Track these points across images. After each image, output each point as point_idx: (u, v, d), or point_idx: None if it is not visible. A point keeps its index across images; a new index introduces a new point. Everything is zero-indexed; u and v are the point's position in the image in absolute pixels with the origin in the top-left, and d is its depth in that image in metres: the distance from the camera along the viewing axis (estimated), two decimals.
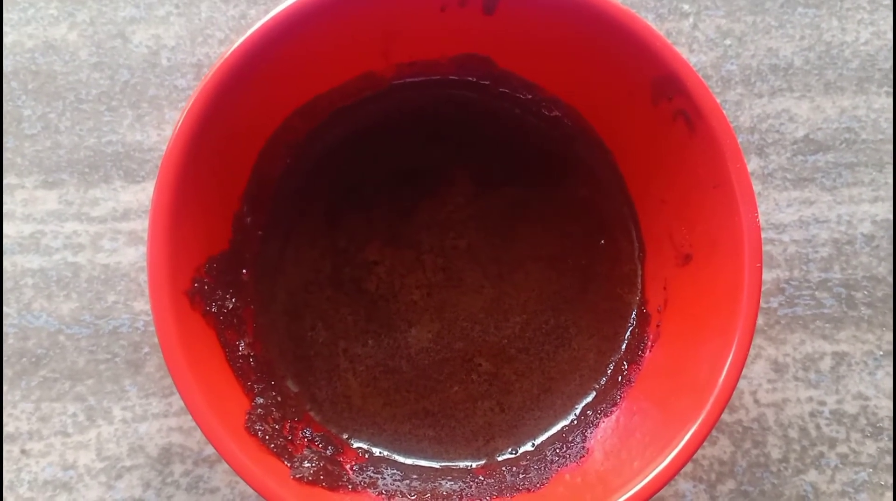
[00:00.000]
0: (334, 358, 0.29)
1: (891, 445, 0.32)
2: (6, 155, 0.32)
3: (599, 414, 0.28)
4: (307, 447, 0.27)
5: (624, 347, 0.30)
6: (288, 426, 0.27)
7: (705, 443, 0.32)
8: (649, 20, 0.35)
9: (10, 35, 0.32)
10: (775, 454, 0.32)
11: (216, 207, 0.26)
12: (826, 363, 0.33)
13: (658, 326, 0.29)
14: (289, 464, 0.25)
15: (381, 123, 0.30)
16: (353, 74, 0.28)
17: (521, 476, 0.27)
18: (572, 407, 0.29)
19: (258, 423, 0.25)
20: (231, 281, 0.27)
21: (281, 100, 0.27)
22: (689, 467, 0.32)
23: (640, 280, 0.30)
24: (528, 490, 0.26)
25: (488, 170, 0.30)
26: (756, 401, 0.33)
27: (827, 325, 0.33)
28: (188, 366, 0.23)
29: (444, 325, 0.29)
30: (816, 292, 0.33)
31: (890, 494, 0.32)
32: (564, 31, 0.26)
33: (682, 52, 0.35)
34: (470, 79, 0.30)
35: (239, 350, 0.27)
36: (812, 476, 0.32)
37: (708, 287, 0.26)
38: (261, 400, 0.26)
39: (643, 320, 0.29)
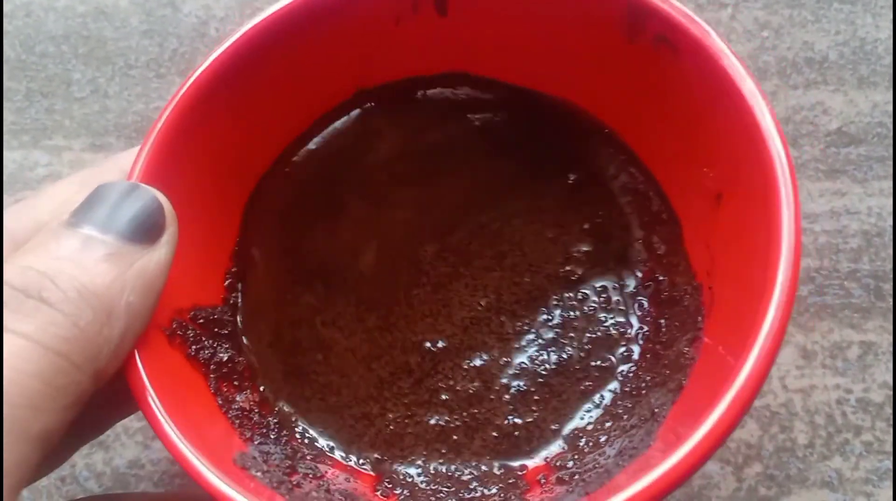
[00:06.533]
0: (348, 408, 0.27)
1: None
2: (54, 117, 0.32)
3: (668, 407, 0.25)
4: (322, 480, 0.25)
5: (682, 331, 0.27)
6: (299, 466, 0.25)
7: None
8: (688, 10, 0.36)
9: None
10: (802, 439, 0.33)
11: (205, 258, 0.25)
12: (853, 352, 0.33)
13: (711, 288, 0.25)
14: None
15: (358, 143, 0.29)
16: (326, 108, 0.28)
17: (582, 484, 0.25)
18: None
19: (253, 464, 0.23)
20: (226, 337, 0.26)
21: (258, 138, 0.27)
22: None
23: (683, 257, 0.27)
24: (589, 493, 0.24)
25: (493, 179, 0.29)
26: (784, 387, 0.33)
27: (855, 315, 0.34)
28: (162, 400, 0.20)
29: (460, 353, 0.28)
30: (846, 282, 0.34)
31: None
32: (524, 11, 0.25)
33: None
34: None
35: (237, 402, 0.25)
36: (837, 462, 0.33)
37: (744, 213, 0.24)
38: (264, 448, 0.24)
39: (696, 293, 0.26)
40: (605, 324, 0.28)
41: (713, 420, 0.20)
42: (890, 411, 0.33)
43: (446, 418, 0.27)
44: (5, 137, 0.32)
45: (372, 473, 0.26)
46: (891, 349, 0.33)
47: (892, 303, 0.34)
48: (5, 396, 0.15)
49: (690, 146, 0.26)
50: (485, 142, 0.29)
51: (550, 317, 0.28)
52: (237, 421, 0.24)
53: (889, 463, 0.32)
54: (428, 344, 0.27)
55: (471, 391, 0.27)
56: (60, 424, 0.17)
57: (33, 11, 0.32)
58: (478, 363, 0.27)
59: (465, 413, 0.27)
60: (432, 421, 0.27)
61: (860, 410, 0.33)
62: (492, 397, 0.27)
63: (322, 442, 0.26)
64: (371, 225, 0.28)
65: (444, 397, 0.27)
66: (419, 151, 0.29)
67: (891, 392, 0.33)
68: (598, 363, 0.27)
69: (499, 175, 0.29)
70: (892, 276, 0.34)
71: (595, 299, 0.28)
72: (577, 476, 0.24)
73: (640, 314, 0.28)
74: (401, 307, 0.28)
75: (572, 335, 0.28)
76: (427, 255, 0.28)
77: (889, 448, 0.32)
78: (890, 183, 0.34)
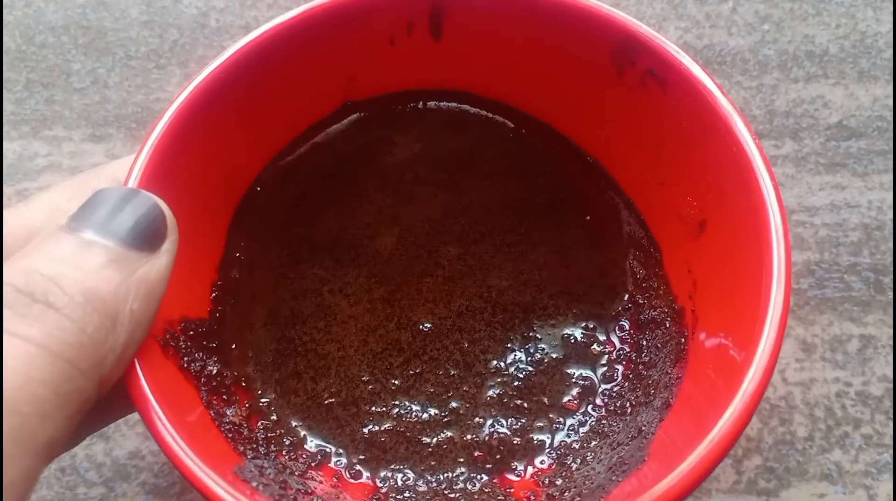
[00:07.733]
0: (346, 414, 0.28)
1: None
2: (54, 107, 0.32)
3: (656, 424, 0.25)
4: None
5: (665, 351, 0.27)
6: (290, 482, 0.25)
7: None
8: (689, 2, 0.36)
9: None
10: (801, 432, 0.33)
11: (193, 268, 0.25)
12: (853, 345, 0.33)
13: (693, 311, 0.26)
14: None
15: (362, 146, 0.30)
16: (315, 119, 0.28)
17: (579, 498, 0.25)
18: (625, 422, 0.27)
19: (252, 476, 0.23)
20: (214, 350, 0.26)
21: (250, 146, 0.27)
22: None
23: (663, 281, 0.28)
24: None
25: (516, 202, 0.30)
26: (784, 380, 0.33)
27: (855, 308, 0.34)
28: (164, 410, 0.20)
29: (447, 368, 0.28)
30: (846, 276, 0.34)
31: None
32: (512, 37, 0.26)
33: (721, 34, 0.36)
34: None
35: (227, 416, 0.25)
36: (836, 455, 0.33)
37: (731, 242, 0.24)
38: (258, 462, 0.24)
39: (677, 316, 0.27)
40: (586, 334, 0.29)
41: (705, 446, 0.20)
42: (889, 404, 0.33)
43: (429, 411, 0.27)
44: (5, 127, 0.32)
45: (360, 483, 0.26)
46: (890, 342, 0.33)
47: (892, 297, 0.34)
48: (12, 404, 0.15)
49: (674, 176, 0.26)
50: (501, 158, 0.30)
51: (538, 318, 0.29)
52: (230, 435, 0.24)
53: (888, 456, 0.32)
54: (421, 326, 0.28)
55: (452, 376, 0.28)
56: (64, 434, 0.16)
57: (33, 2, 0.32)
58: (465, 344, 0.28)
59: (445, 407, 0.28)
60: (413, 418, 0.27)
61: (860, 403, 0.33)
62: (474, 391, 0.28)
63: (310, 443, 0.27)
64: (393, 215, 0.29)
65: (427, 384, 0.28)
66: (439, 156, 0.30)
67: (890, 385, 0.33)
68: (580, 375, 0.28)
69: (521, 199, 0.30)
70: (892, 269, 0.34)
71: (579, 309, 0.29)
72: (566, 494, 0.25)
73: (621, 335, 0.29)
74: (409, 290, 0.29)
75: (549, 334, 0.29)
76: (449, 254, 0.29)
77: (888, 440, 0.33)
78: (890, 177, 0.34)
